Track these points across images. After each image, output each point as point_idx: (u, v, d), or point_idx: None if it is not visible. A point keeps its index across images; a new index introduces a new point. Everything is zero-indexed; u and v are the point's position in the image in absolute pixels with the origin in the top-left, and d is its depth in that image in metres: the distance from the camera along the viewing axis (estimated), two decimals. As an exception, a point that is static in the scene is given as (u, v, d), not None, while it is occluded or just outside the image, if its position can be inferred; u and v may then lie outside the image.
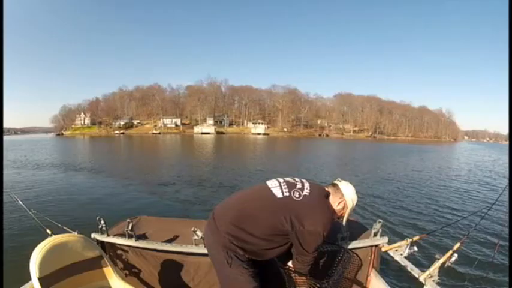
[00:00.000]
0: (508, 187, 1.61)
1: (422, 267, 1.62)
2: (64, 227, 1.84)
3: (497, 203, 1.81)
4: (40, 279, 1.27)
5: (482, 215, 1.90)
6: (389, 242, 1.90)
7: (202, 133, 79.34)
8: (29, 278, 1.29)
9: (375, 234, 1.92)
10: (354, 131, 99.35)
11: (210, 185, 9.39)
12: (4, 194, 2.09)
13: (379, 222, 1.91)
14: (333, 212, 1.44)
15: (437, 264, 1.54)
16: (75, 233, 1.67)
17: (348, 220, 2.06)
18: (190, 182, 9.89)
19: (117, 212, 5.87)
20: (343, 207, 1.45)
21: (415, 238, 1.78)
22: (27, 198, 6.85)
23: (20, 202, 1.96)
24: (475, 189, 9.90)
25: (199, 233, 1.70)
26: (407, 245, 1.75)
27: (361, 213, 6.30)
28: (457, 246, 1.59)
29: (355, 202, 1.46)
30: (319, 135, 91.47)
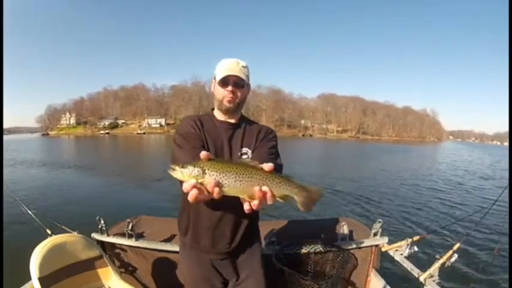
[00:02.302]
0: (507, 187, 1.61)
1: (422, 267, 1.62)
2: (64, 227, 1.83)
3: (497, 203, 1.81)
4: (40, 279, 1.27)
5: (482, 215, 1.90)
6: (390, 242, 1.90)
7: (186, 133, 79.41)
8: (29, 278, 1.29)
9: (375, 234, 1.92)
10: (338, 131, 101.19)
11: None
12: (4, 193, 2.10)
13: (379, 222, 1.91)
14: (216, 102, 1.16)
15: (437, 264, 1.54)
16: (75, 233, 1.67)
17: (348, 220, 2.08)
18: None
19: (117, 212, 5.86)
20: (214, 82, 1.15)
21: (415, 238, 1.78)
22: (27, 198, 6.83)
23: (20, 202, 1.95)
24: (475, 189, 9.90)
25: None
26: (408, 245, 1.75)
27: (361, 213, 6.30)
28: (457, 246, 1.59)
29: (225, 64, 1.11)
30: (303, 135, 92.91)
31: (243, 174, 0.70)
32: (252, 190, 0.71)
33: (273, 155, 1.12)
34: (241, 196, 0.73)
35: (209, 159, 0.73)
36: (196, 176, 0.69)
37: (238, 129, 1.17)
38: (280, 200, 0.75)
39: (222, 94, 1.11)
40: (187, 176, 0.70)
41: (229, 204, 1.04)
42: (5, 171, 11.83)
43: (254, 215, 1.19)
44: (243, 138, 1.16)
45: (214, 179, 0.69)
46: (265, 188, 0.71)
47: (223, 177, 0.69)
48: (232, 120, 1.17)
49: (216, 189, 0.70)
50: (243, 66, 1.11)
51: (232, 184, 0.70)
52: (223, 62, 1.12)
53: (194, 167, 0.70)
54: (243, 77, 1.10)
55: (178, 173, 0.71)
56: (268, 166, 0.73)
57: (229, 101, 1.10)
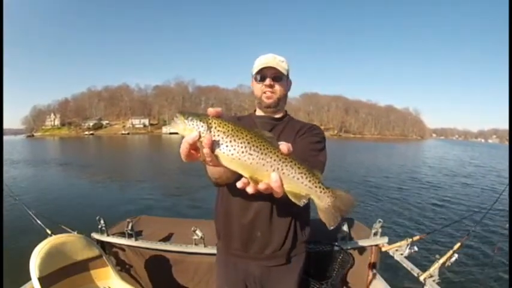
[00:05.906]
0: (507, 187, 1.61)
1: (423, 267, 1.62)
2: (64, 227, 1.83)
3: (497, 203, 1.81)
4: (40, 279, 1.27)
5: (482, 215, 1.90)
6: (390, 242, 1.90)
7: (170, 133, 78.33)
8: (29, 278, 1.29)
9: (375, 234, 1.92)
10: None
11: (198, 178, 9.39)
12: (4, 193, 2.10)
13: (379, 222, 1.91)
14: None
15: (437, 264, 1.54)
16: (75, 233, 1.67)
17: (347, 220, 2.07)
18: (179, 176, 9.92)
19: (117, 212, 5.87)
20: (252, 80, 1.08)
21: (415, 238, 1.78)
22: (27, 198, 6.84)
23: (20, 202, 1.96)
24: (474, 188, 9.90)
25: (199, 232, 1.70)
26: (408, 244, 1.75)
27: (361, 213, 6.30)
28: (457, 246, 1.59)
29: (262, 59, 1.03)
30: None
31: (256, 147, 0.53)
32: (258, 171, 0.54)
33: (315, 151, 0.96)
34: (242, 173, 0.56)
35: (219, 117, 0.56)
36: (200, 131, 0.54)
37: (278, 125, 1.06)
38: (291, 198, 0.56)
39: (260, 90, 1.03)
40: (188, 130, 0.55)
41: (264, 203, 0.95)
42: (4, 171, 11.84)
43: (298, 219, 1.03)
44: (281, 132, 1.03)
45: (215, 139, 0.54)
46: (274, 177, 0.53)
47: (230, 142, 0.53)
48: (274, 116, 1.08)
49: (207, 151, 0.53)
50: (280, 61, 1.02)
51: (237, 155, 0.53)
52: (259, 58, 1.05)
53: (200, 120, 0.54)
54: (282, 70, 1.00)
55: (180, 124, 0.56)
56: (286, 146, 0.55)
57: (268, 97, 1.02)
